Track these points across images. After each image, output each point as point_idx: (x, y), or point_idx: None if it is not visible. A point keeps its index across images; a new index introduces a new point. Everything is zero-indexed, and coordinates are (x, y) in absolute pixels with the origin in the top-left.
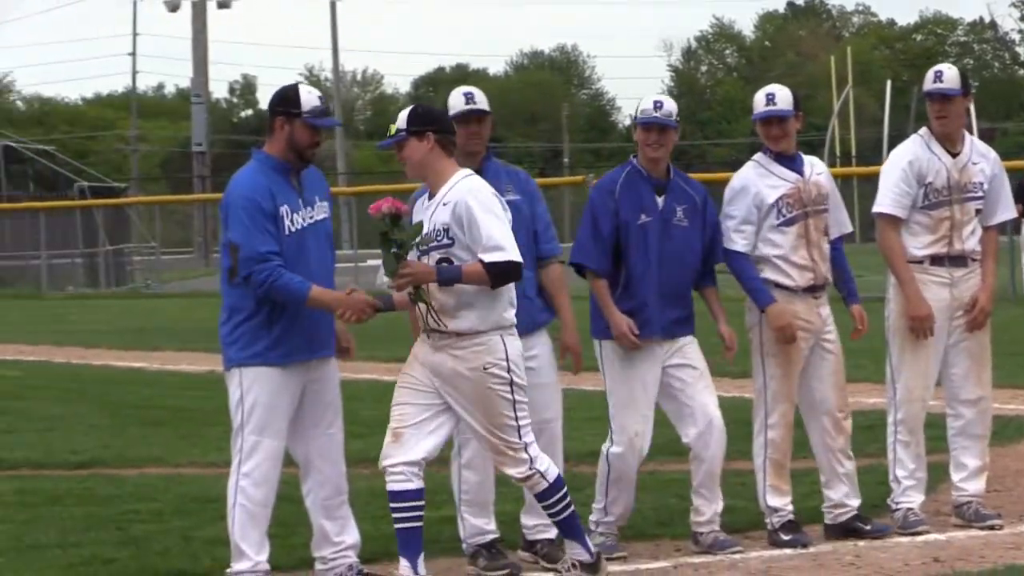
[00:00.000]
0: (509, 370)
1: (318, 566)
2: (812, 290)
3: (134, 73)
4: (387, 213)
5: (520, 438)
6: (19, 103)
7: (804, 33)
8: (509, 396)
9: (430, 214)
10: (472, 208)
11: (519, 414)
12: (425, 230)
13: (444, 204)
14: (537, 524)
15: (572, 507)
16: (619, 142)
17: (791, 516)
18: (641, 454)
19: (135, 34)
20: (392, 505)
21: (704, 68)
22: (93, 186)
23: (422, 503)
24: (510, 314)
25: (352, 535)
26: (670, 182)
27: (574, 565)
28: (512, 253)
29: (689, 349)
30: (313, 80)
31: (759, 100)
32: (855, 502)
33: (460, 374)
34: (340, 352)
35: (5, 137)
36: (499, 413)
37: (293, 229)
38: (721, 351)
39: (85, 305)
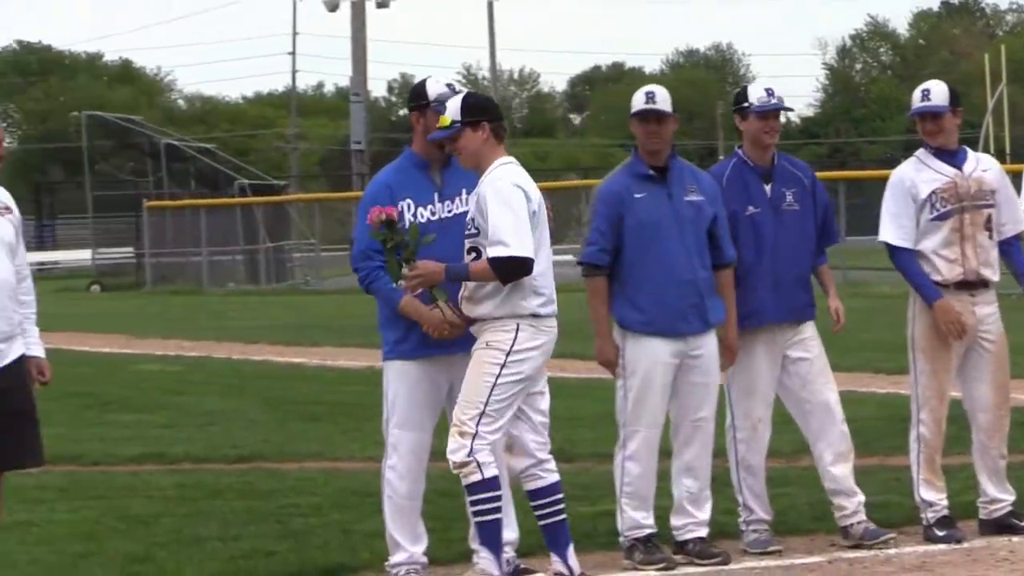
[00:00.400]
0: (508, 354)
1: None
2: (965, 286)
3: (294, 72)
4: (380, 221)
5: (475, 425)
6: (180, 102)
7: (958, 31)
8: (491, 379)
9: (471, 204)
10: (487, 199)
11: (492, 399)
12: (468, 217)
13: (474, 194)
14: (686, 523)
15: (499, 516)
16: None
17: (946, 511)
18: (764, 441)
19: (295, 33)
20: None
21: (858, 66)
22: (253, 184)
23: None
24: (531, 303)
25: (511, 530)
26: (776, 168)
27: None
28: (516, 248)
29: (810, 341)
30: (470, 79)
31: (915, 96)
32: (1010, 498)
33: (476, 349)
34: None
35: (167, 135)
36: (474, 388)
37: (417, 222)
38: (829, 326)
39: (245, 301)
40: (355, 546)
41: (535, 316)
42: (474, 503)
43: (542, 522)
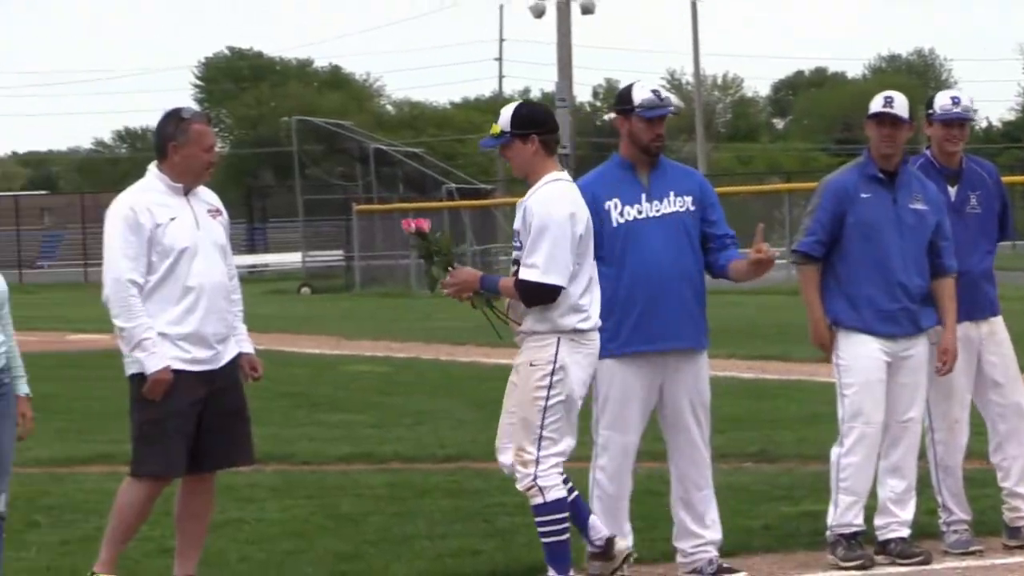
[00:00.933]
0: (552, 373)
1: (679, 558)
2: None
3: (500, 77)
4: (412, 233)
5: (535, 450)
6: (389, 107)
7: None
8: (541, 402)
9: (517, 217)
10: (532, 217)
11: (546, 422)
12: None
13: (520, 206)
14: (889, 523)
15: (564, 537)
16: (976, 143)
17: None
18: (961, 442)
19: (501, 40)
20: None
21: None
22: (460, 187)
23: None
24: (570, 319)
25: (714, 530)
26: (963, 171)
27: None
28: (546, 275)
29: (1003, 342)
30: (674, 84)
31: (945, 102)
32: None
33: (520, 366)
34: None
35: (376, 140)
36: (527, 412)
37: (621, 221)
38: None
39: (453, 303)
40: None
41: (576, 331)
42: (539, 524)
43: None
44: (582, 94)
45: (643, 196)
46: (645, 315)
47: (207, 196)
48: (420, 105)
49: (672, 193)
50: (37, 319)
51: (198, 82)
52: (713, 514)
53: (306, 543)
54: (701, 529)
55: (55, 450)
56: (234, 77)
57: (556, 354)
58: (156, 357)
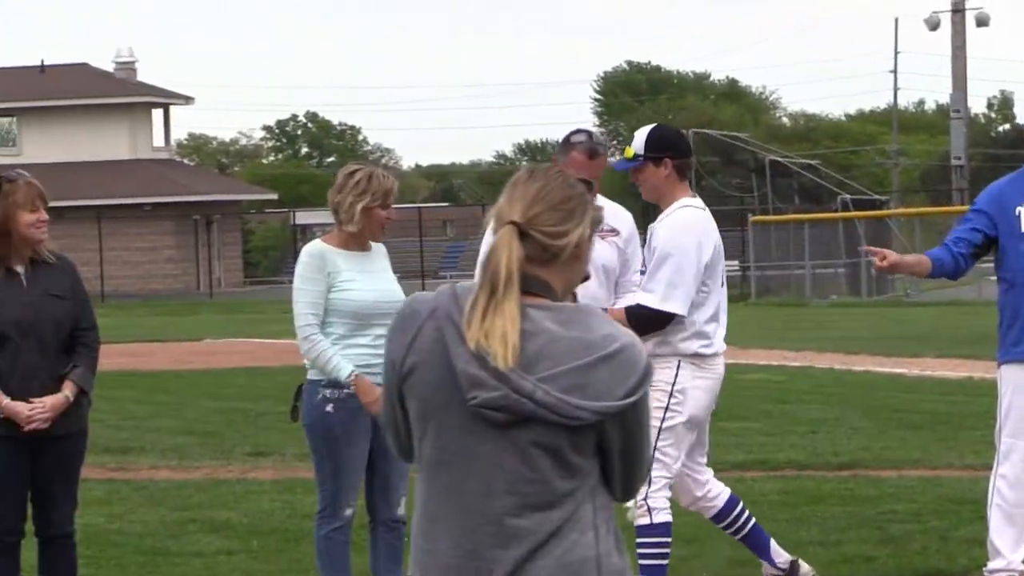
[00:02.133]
0: (671, 395)
1: None
2: None
3: (895, 89)
4: None
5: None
6: (784, 119)
7: None
8: (656, 423)
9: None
10: (657, 243)
11: (660, 444)
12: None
13: (650, 230)
14: None
15: (664, 562)
16: None
17: None
18: None
19: (896, 52)
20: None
21: None
22: (855, 198)
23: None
24: (692, 344)
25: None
26: None
27: None
28: (664, 302)
29: None
30: None
31: None
32: None
33: None
34: None
35: (771, 152)
36: None
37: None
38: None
39: (847, 313)
40: (952, 552)
41: (697, 355)
42: (640, 545)
43: (739, 536)
44: (976, 105)
45: None
46: None
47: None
48: (815, 117)
49: None
50: None
51: (597, 95)
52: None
53: (698, 548)
54: None
55: None
56: (632, 91)
57: (676, 376)
58: None
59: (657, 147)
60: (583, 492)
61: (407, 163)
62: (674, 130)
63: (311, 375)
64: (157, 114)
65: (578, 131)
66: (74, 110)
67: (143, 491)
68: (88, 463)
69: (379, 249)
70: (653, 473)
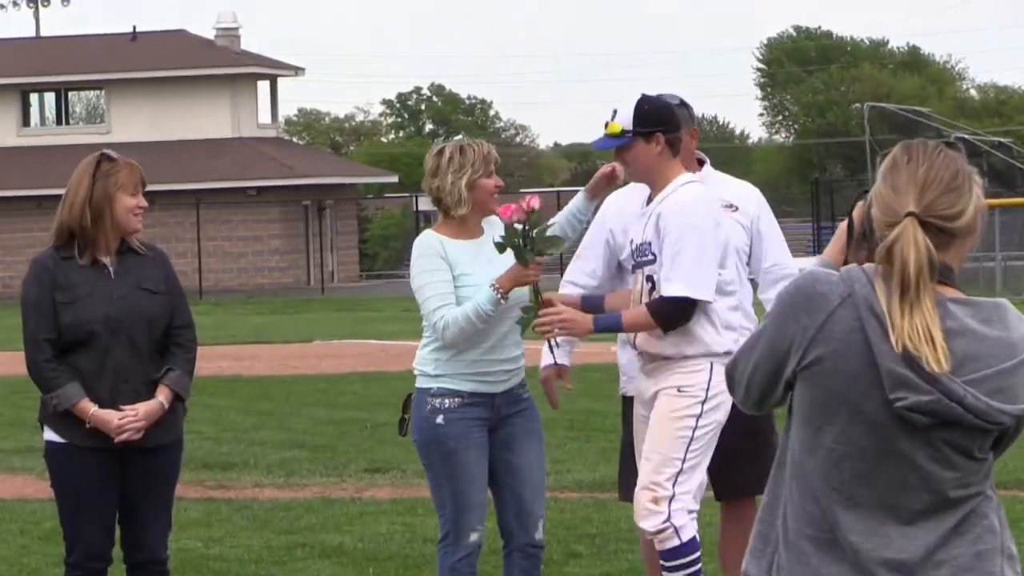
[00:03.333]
0: (705, 401)
1: None
2: None
3: None
4: (515, 220)
5: (672, 486)
6: (972, 92)
7: None
8: (688, 432)
9: (643, 224)
10: (671, 223)
11: (689, 455)
12: (639, 241)
13: (652, 214)
14: None
15: None
16: None
17: None
18: None
19: None
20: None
21: None
22: None
23: None
24: (726, 339)
25: None
26: None
27: None
28: (690, 288)
29: None
30: None
31: None
32: None
33: (656, 396)
34: None
35: (957, 128)
36: (669, 443)
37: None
38: None
39: None
40: None
41: (729, 354)
42: (670, 569)
43: None
44: None
45: None
46: None
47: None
48: (1007, 90)
49: None
50: None
51: (760, 65)
52: None
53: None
54: None
55: (598, 473)
56: (799, 60)
57: (710, 380)
58: None
59: (647, 121)
60: (985, 486)
61: (544, 142)
62: (663, 101)
63: (420, 383)
64: (263, 87)
65: (681, 101)
66: (169, 82)
67: (246, 511)
68: (184, 480)
69: (491, 227)
70: (677, 489)
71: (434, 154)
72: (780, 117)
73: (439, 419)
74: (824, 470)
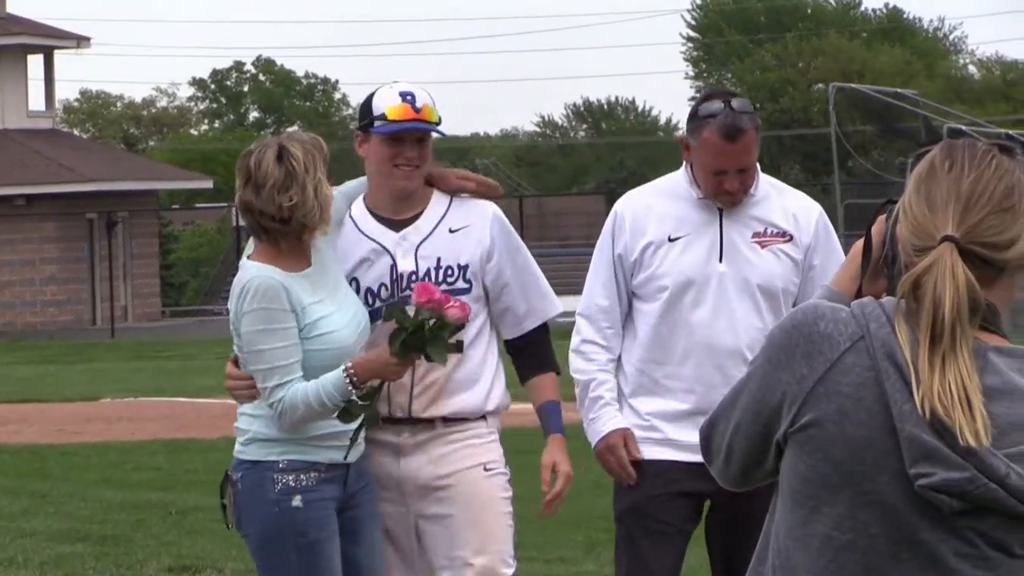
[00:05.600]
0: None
1: None
2: None
3: None
4: (430, 310)
5: (513, 555)
6: (972, 68)
7: None
8: (509, 503)
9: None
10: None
11: (512, 522)
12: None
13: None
14: None
15: None
16: None
17: None
18: None
19: None
20: None
21: None
22: None
23: None
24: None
25: None
26: None
27: None
28: None
29: None
30: None
31: None
32: None
33: (447, 480)
34: None
35: (953, 117)
36: (501, 527)
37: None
38: None
39: None
40: None
41: None
42: None
43: None
44: None
45: None
46: None
47: None
48: (1016, 66)
49: None
50: None
51: (692, 33)
52: None
53: None
54: None
55: None
56: (744, 26)
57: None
58: None
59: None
60: None
61: None
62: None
63: (254, 452)
64: (35, 62)
65: (711, 95)
66: None
67: None
68: None
69: (322, 246)
70: None
71: (247, 162)
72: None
73: (295, 501)
74: (819, 566)
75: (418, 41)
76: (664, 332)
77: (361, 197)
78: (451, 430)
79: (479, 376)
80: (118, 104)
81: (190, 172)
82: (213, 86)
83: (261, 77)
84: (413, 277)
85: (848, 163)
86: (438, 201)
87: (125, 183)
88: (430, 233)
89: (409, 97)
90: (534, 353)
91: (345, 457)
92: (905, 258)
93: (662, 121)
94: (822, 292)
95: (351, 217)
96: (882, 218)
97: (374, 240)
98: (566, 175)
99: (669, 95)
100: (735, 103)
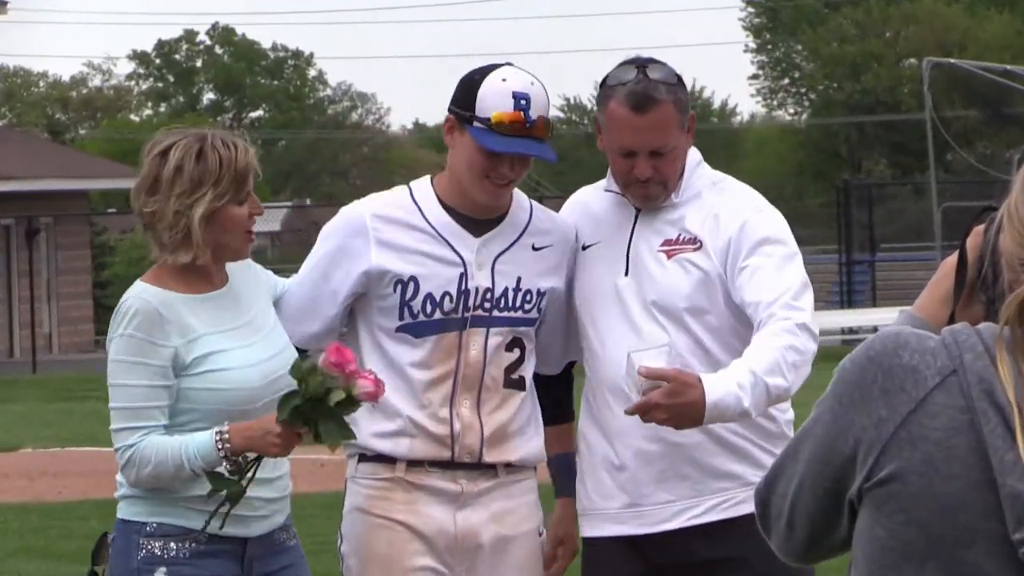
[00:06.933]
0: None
1: None
2: None
3: None
4: (333, 376)
5: None
6: None
7: None
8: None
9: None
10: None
11: None
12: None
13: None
14: None
15: None
16: None
17: None
18: None
19: None
20: None
21: None
22: None
23: None
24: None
25: None
26: None
27: None
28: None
29: None
30: None
31: None
32: None
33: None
34: None
35: None
36: None
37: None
38: None
39: None
40: None
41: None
42: None
43: None
44: None
45: None
46: None
47: None
48: None
49: None
50: None
51: (750, 3)
52: None
53: None
54: None
55: None
56: None
57: None
58: None
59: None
60: None
61: (397, 121)
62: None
63: (124, 511)
64: None
65: (627, 61)
66: None
67: None
68: None
69: (247, 276)
70: None
71: (156, 153)
72: (785, 81)
73: (158, 574)
74: None
75: (409, 6)
76: (585, 358)
77: (429, 179)
78: (513, 479)
79: (532, 418)
80: (40, 84)
81: (129, 167)
82: (158, 61)
83: (218, 49)
84: (488, 295)
85: (947, 157)
86: (519, 205)
87: (49, 181)
88: (511, 245)
89: (524, 102)
90: (558, 397)
91: (220, 527)
92: (1009, 275)
93: (716, 104)
94: (902, 318)
95: (413, 199)
96: (979, 228)
97: (444, 238)
98: (594, 172)
99: (724, 72)
100: (652, 70)
